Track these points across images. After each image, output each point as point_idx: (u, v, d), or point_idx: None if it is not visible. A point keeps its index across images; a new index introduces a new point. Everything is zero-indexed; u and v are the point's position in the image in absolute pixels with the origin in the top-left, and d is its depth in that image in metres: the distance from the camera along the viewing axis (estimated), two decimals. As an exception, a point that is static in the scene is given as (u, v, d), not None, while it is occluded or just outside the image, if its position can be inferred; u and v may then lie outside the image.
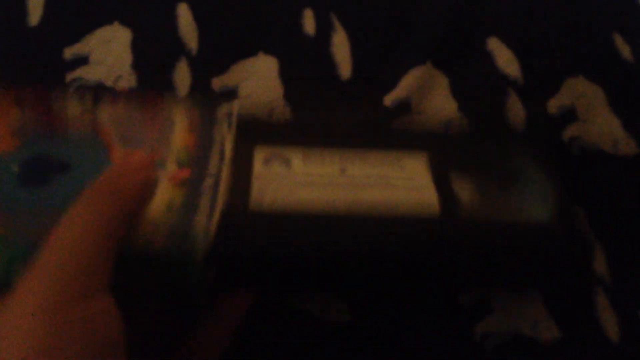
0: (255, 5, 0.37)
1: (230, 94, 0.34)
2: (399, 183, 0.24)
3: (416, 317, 0.30)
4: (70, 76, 0.33)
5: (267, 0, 0.37)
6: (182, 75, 0.34)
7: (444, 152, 0.26)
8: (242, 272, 0.24)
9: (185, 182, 0.24)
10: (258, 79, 0.35)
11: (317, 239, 0.23)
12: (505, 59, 0.35)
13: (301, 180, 0.24)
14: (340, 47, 0.36)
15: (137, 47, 0.35)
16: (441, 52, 0.36)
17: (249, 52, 0.36)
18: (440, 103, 0.34)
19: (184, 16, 0.36)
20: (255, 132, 0.26)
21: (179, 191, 0.23)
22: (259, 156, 0.25)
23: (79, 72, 0.33)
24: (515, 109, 0.34)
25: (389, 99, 0.34)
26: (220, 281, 0.23)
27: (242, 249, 0.23)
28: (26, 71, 0.34)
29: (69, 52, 0.34)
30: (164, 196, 0.23)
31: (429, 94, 0.35)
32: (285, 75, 0.35)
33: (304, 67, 0.35)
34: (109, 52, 0.34)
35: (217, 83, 0.34)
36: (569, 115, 0.34)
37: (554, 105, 0.34)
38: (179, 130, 0.25)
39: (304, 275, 0.25)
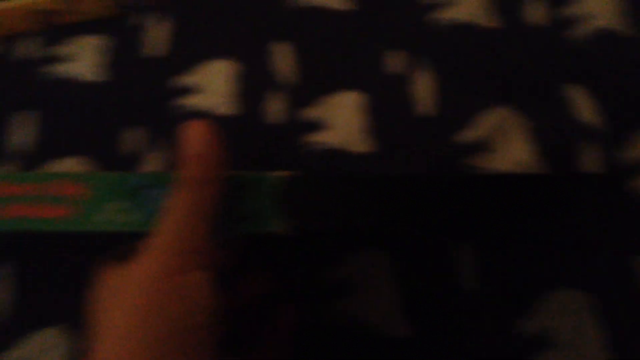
0: (348, 45, 0.40)
1: (318, 125, 0.38)
2: None
3: (473, 340, 0.31)
4: (181, 101, 0.38)
5: (359, 41, 0.40)
6: (276, 105, 0.38)
7: None
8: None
9: None
10: (344, 112, 0.38)
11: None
12: (587, 108, 0.36)
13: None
14: (424, 85, 0.38)
15: (239, 78, 0.39)
16: (522, 94, 0.37)
17: (339, 87, 0.39)
18: (517, 144, 0.36)
19: (284, 53, 0.40)
20: None
21: None
22: None
23: (189, 99, 0.38)
24: (593, 158, 0.35)
25: (464, 137, 0.36)
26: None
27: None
28: (142, 96, 0.39)
29: (182, 81, 0.39)
30: None
31: (507, 134, 0.36)
32: (368, 109, 0.38)
33: (386, 103, 0.38)
34: (216, 82, 0.39)
35: (306, 113, 0.38)
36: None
37: (629, 156, 0.34)
38: None
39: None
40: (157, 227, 0.25)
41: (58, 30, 0.41)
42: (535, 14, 0.40)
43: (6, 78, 0.40)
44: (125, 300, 0.23)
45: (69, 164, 0.37)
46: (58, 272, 0.35)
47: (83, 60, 0.40)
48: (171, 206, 0.25)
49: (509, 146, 0.36)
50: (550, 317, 0.32)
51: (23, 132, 0.38)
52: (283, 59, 0.40)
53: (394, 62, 0.39)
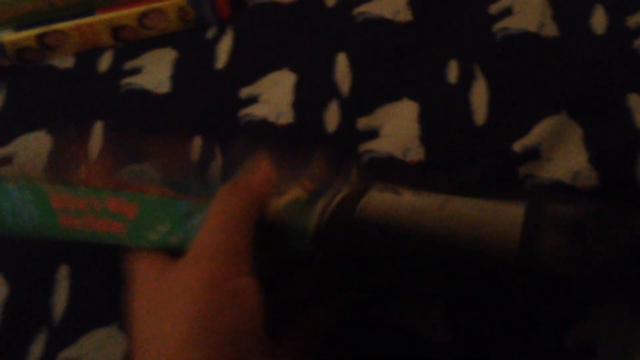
0: (405, 55, 0.41)
1: (373, 133, 0.39)
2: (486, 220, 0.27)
3: (520, 351, 0.31)
4: (242, 112, 0.40)
5: (416, 52, 0.41)
6: (332, 114, 0.39)
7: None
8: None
9: (312, 190, 0.30)
10: (399, 121, 0.39)
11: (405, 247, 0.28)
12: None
13: (403, 203, 0.29)
14: (479, 95, 0.39)
15: (298, 89, 0.41)
16: (579, 103, 0.37)
17: (395, 96, 0.40)
18: (570, 153, 0.36)
19: (341, 64, 0.41)
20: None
21: (305, 194, 0.29)
22: (376, 186, 0.30)
23: (250, 109, 0.41)
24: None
25: (518, 145, 0.36)
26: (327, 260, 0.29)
27: (345, 241, 0.29)
28: (206, 107, 0.41)
29: (244, 92, 0.41)
30: (293, 195, 0.29)
31: (560, 143, 0.36)
32: (424, 119, 0.38)
33: (442, 113, 0.39)
34: (275, 93, 0.41)
35: (362, 123, 0.39)
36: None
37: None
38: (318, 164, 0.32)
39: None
40: (198, 237, 0.26)
41: (132, 44, 0.44)
42: (599, 23, 0.39)
43: (88, 89, 0.43)
44: (176, 309, 0.24)
45: (138, 171, 0.39)
46: (111, 274, 0.37)
47: (153, 72, 0.43)
48: (213, 211, 0.27)
49: (564, 155, 0.36)
50: (597, 329, 0.31)
51: (98, 139, 0.41)
52: (341, 70, 0.41)
53: (451, 72, 0.40)
